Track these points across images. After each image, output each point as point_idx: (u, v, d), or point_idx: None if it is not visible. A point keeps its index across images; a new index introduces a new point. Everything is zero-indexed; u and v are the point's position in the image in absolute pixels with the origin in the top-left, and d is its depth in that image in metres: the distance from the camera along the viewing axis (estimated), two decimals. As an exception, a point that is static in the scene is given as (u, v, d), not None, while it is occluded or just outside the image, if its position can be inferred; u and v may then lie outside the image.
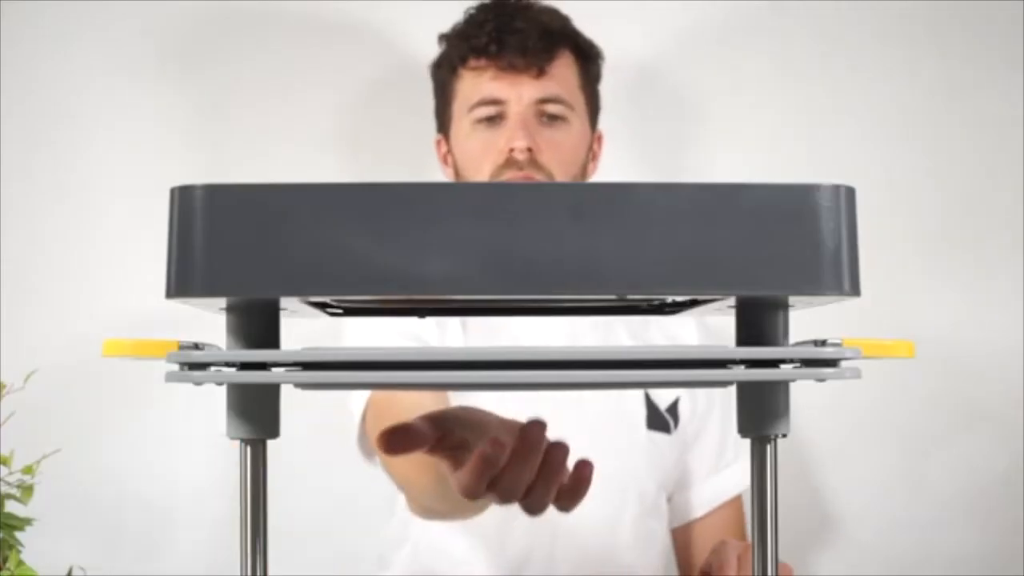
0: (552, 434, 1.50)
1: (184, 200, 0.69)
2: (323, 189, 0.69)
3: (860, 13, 1.84)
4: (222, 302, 0.73)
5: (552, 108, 1.54)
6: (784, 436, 0.77)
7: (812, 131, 1.83)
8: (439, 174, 1.64)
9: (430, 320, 1.55)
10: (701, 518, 1.58)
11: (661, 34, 1.84)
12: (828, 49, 1.85)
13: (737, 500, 1.58)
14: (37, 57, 1.79)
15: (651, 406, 1.54)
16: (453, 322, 1.54)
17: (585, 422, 1.51)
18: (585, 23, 1.62)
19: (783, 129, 1.83)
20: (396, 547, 1.57)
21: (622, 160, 1.78)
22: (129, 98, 1.79)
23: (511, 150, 1.51)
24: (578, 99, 1.57)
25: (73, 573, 1.20)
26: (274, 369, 0.71)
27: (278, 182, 0.69)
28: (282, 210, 0.69)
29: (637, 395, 1.54)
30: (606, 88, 1.66)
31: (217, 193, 0.69)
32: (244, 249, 0.69)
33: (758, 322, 0.76)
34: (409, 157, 1.74)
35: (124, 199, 1.77)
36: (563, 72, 1.56)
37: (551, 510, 1.48)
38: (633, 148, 1.83)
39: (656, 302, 0.83)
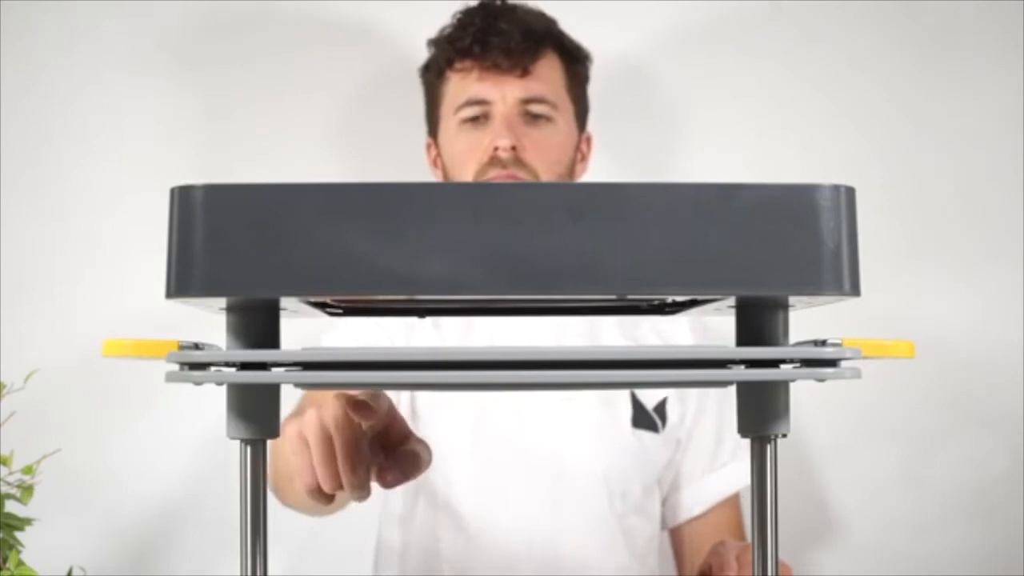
0: (538, 432, 1.51)
1: (184, 200, 0.69)
2: (323, 189, 0.69)
3: (860, 13, 1.84)
4: (222, 302, 0.73)
5: (536, 108, 1.55)
6: (784, 436, 0.77)
7: (812, 131, 1.83)
8: (431, 177, 1.64)
9: (398, 322, 1.55)
10: (697, 518, 1.58)
11: (659, 34, 1.84)
12: (828, 49, 1.85)
13: (734, 500, 1.58)
14: (37, 57, 1.79)
15: (637, 405, 1.54)
16: (424, 323, 1.54)
17: (569, 420, 1.52)
18: (576, 24, 1.62)
19: (782, 129, 1.83)
20: (387, 552, 1.57)
21: (616, 161, 1.78)
22: (129, 98, 1.79)
23: (495, 149, 1.52)
24: (564, 100, 1.58)
25: (73, 573, 1.20)
26: (274, 369, 0.71)
27: (278, 182, 0.69)
28: (282, 210, 0.69)
29: (623, 393, 1.54)
30: (601, 89, 1.66)
31: (217, 193, 0.69)
32: (244, 249, 0.69)
33: (758, 322, 0.76)
34: (406, 157, 1.74)
35: (124, 199, 1.77)
36: (548, 73, 1.57)
37: (538, 516, 1.49)
38: (628, 149, 1.83)
39: (656, 302, 0.83)
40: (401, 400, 1.51)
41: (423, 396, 1.53)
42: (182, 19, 1.81)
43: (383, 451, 0.98)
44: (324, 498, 1.00)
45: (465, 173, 1.54)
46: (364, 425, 0.96)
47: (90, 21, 1.79)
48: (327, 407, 0.98)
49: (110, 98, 1.79)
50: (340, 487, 0.98)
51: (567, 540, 1.50)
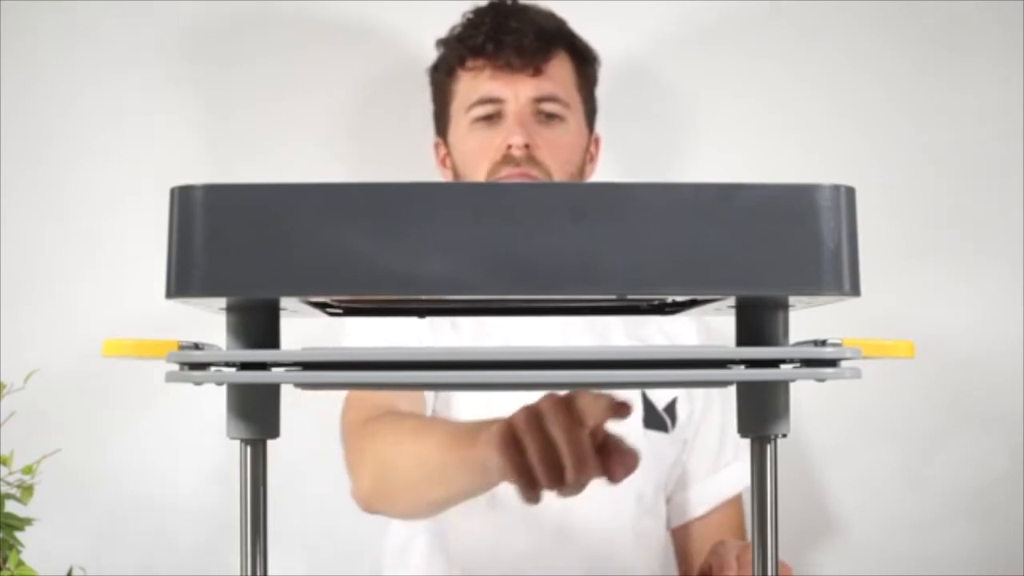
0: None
1: (184, 200, 0.69)
2: (323, 189, 0.69)
3: (860, 13, 1.84)
4: (222, 302, 0.73)
5: (549, 107, 1.55)
6: (784, 436, 0.77)
7: (812, 131, 1.83)
8: (436, 176, 1.64)
9: (424, 322, 1.55)
10: (700, 517, 1.58)
11: (660, 34, 1.84)
12: (828, 49, 1.84)
13: (736, 500, 1.58)
14: (37, 57, 1.79)
15: (648, 405, 1.54)
16: (442, 323, 1.54)
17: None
18: (577, 24, 1.61)
19: (782, 129, 1.83)
20: (393, 553, 1.57)
21: (617, 161, 1.78)
22: (129, 98, 1.79)
23: (508, 147, 1.51)
24: (575, 99, 1.58)
25: (73, 573, 1.20)
26: (274, 369, 0.71)
27: (278, 182, 0.69)
28: (282, 210, 0.69)
29: (634, 394, 1.54)
30: (602, 90, 1.65)
31: (217, 193, 0.69)
32: (244, 249, 0.69)
33: (758, 322, 0.76)
34: (406, 157, 1.74)
35: (124, 199, 1.77)
36: (559, 72, 1.57)
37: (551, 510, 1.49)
38: (629, 149, 1.83)
39: (656, 302, 0.83)
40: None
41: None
42: (182, 19, 1.80)
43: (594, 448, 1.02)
44: (536, 498, 1.03)
45: (477, 172, 1.54)
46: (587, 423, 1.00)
47: (90, 21, 1.79)
48: (546, 408, 1.01)
49: (110, 98, 1.79)
50: (562, 485, 1.01)
51: (582, 545, 1.50)
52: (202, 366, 0.71)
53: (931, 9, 1.84)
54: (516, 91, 1.54)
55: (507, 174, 1.51)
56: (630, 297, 0.77)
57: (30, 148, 1.78)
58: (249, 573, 0.76)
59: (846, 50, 1.84)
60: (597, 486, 1.49)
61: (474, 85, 1.56)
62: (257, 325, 0.75)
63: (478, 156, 1.54)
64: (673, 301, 0.81)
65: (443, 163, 1.62)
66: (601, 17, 1.77)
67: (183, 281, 0.69)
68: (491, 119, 1.55)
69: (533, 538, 1.49)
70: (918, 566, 1.79)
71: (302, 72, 1.81)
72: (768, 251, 0.69)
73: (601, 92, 1.66)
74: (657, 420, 1.54)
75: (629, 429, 1.52)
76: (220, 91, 1.81)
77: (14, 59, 1.78)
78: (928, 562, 1.79)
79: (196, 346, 0.72)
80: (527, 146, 1.51)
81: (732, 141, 1.84)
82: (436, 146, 1.63)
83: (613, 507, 1.51)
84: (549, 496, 1.49)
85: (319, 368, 0.71)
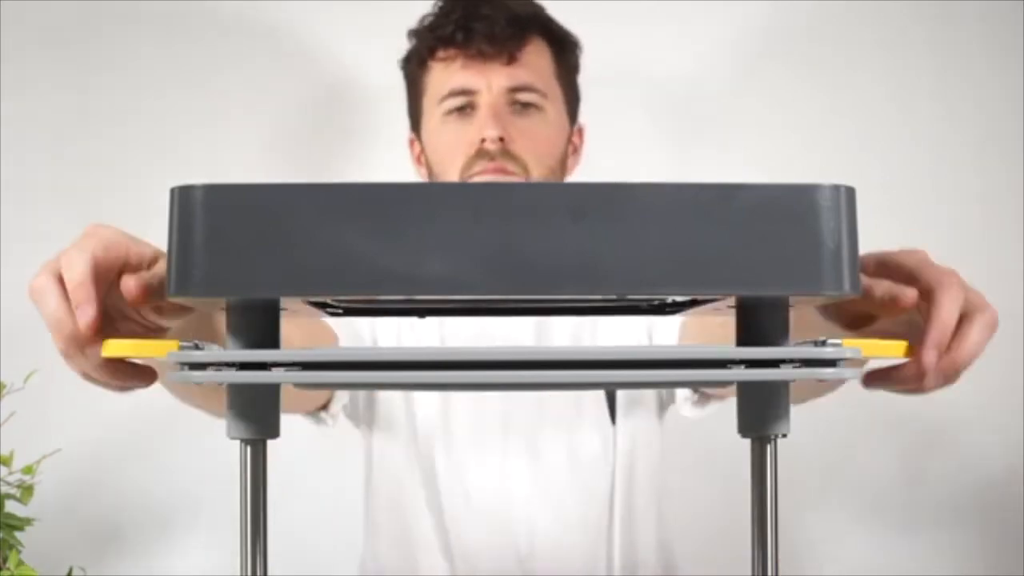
0: (520, 429, 1.49)
1: (184, 200, 0.70)
2: (323, 189, 0.69)
3: (860, 13, 1.84)
4: (222, 302, 0.73)
5: (525, 96, 1.48)
6: (784, 436, 0.78)
7: (812, 131, 1.83)
8: (416, 175, 1.60)
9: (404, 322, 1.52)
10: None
11: (659, 34, 1.84)
12: (828, 49, 1.85)
13: (687, 326, 1.39)
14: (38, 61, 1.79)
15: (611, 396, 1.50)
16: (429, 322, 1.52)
17: (548, 419, 1.49)
18: (577, 24, 1.59)
19: (782, 129, 1.83)
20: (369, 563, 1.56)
21: (618, 161, 1.78)
22: (133, 99, 1.80)
23: (482, 141, 1.45)
24: (553, 88, 1.51)
25: (73, 573, 1.20)
26: (274, 369, 0.71)
27: (278, 182, 0.70)
28: (282, 210, 0.69)
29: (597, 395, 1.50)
30: (601, 89, 1.64)
31: (217, 193, 0.69)
32: (244, 249, 0.69)
33: (758, 322, 0.76)
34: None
35: (125, 197, 1.77)
36: (535, 60, 1.50)
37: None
38: (629, 149, 1.83)
39: (656, 302, 0.83)
40: (397, 405, 1.51)
41: (420, 412, 1.51)
42: (169, 20, 1.81)
43: None
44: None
45: (451, 169, 1.47)
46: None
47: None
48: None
49: (125, 95, 1.79)
50: None
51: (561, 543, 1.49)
52: (202, 366, 0.71)
53: (931, 9, 1.84)
54: (489, 81, 1.47)
55: (481, 169, 1.45)
56: (630, 297, 0.77)
57: (30, 148, 1.78)
58: (249, 573, 0.76)
59: (846, 50, 1.84)
60: (575, 485, 1.49)
61: (445, 76, 1.49)
62: (257, 325, 0.75)
63: (451, 151, 1.47)
64: (673, 301, 0.81)
65: (418, 160, 1.55)
66: (599, 17, 1.77)
67: (183, 281, 0.69)
68: (464, 112, 1.47)
69: (528, 526, 1.48)
70: (918, 566, 1.79)
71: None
72: (768, 251, 0.69)
73: (601, 91, 1.66)
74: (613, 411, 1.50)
75: (599, 424, 1.50)
76: (221, 94, 1.82)
77: (13, 60, 1.78)
78: (928, 562, 1.79)
79: (196, 346, 0.72)
80: (501, 139, 1.44)
81: (732, 141, 1.84)
82: (411, 143, 1.56)
83: (600, 499, 1.49)
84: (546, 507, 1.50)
85: (319, 368, 0.71)
